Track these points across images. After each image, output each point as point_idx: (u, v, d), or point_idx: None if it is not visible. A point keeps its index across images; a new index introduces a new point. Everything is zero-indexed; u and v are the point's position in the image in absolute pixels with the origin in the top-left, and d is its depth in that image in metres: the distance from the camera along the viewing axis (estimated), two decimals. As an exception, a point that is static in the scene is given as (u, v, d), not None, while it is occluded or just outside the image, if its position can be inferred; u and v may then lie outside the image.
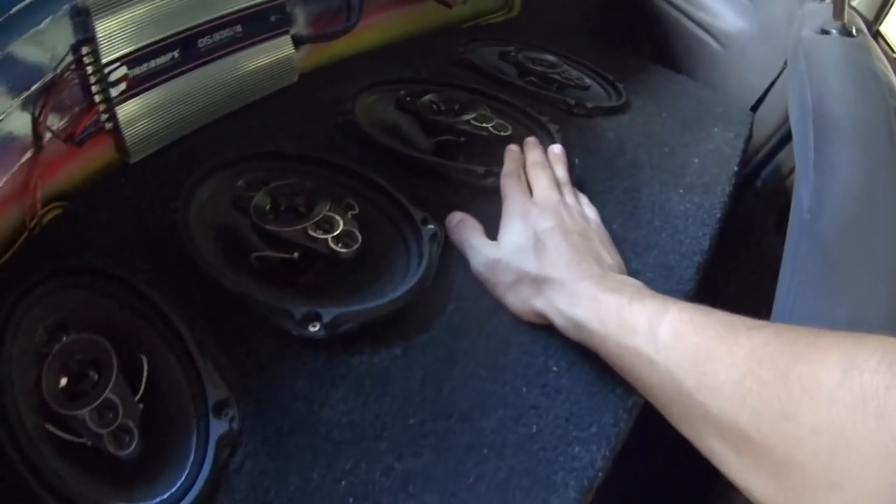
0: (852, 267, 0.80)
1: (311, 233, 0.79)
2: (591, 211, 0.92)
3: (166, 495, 0.60)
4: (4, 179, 0.80)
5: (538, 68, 1.26)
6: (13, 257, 0.79)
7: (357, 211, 0.84)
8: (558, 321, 0.75)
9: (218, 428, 0.64)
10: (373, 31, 1.26)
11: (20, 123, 0.80)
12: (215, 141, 0.96)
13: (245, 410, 0.66)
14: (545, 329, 0.78)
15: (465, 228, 0.86)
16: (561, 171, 0.97)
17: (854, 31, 1.16)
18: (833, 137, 0.93)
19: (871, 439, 0.46)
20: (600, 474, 0.67)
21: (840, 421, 0.48)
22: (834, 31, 1.15)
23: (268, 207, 0.82)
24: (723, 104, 1.31)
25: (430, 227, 0.85)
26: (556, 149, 1.00)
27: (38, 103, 0.81)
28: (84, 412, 0.62)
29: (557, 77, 1.25)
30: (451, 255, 0.85)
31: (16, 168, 0.81)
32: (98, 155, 0.91)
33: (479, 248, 0.83)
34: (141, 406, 0.64)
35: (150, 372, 0.67)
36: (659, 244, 0.92)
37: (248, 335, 0.73)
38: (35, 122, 0.82)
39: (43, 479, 0.58)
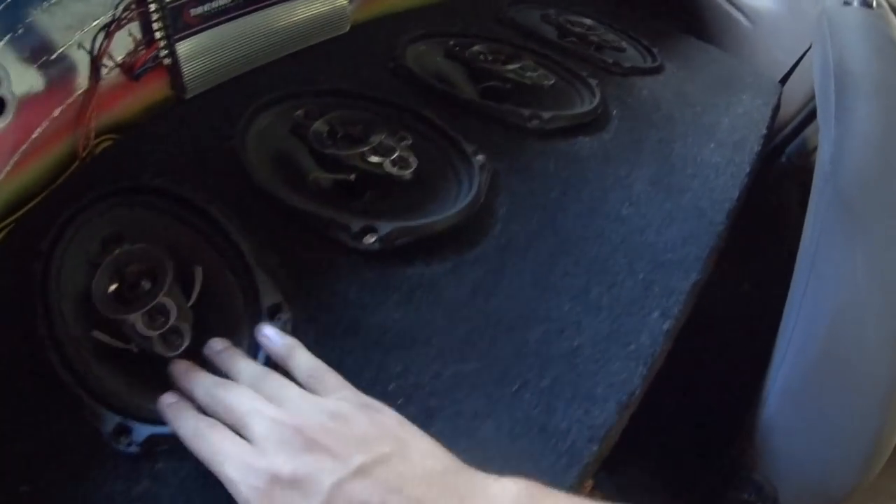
0: (871, 213, 0.82)
1: (369, 157, 0.81)
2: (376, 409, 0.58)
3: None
4: (61, 108, 0.82)
5: (577, 30, 1.29)
6: (65, 183, 0.82)
7: (411, 141, 0.86)
8: None
9: (271, 330, 0.66)
10: None
11: (80, 56, 0.82)
12: (268, 81, 0.98)
13: (298, 315, 0.68)
14: (588, 250, 0.81)
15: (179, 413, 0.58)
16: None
17: (874, 3, 1.18)
18: (852, 92, 0.95)
19: None
20: (638, 391, 0.69)
21: None
22: (855, 3, 1.17)
23: (326, 134, 0.85)
24: (752, 75, 1.33)
25: (480, 157, 0.87)
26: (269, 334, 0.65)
27: (99, 37, 0.83)
28: (134, 316, 0.63)
29: (595, 39, 1.28)
30: (497, 185, 0.88)
31: (72, 99, 0.83)
32: (151, 92, 0.93)
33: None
34: (193, 312, 0.65)
35: (205, 282, 0.68)
36: (692, 188, 0.95)
37: (303, 247, 0.75)
38: (94, 56, 0.84)
39: (85, 382, 0.60)
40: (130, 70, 0.88)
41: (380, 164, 0.81)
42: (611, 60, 1.23)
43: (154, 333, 0.63)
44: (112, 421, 0.58)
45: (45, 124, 0.81)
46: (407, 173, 0.81)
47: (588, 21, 1.34)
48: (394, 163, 0.81)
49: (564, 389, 0.67)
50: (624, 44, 1.33)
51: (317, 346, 0.65)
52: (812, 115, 1.32)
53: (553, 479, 0.60)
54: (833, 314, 0.80)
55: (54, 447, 0.58)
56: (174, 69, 0.92)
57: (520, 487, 0.51)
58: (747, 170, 1.03)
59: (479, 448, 0.60)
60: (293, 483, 0.50)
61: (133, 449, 0.58)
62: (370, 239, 0.75)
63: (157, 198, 0.76)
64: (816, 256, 0.83)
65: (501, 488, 0.51)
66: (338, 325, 0.69)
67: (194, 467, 0.57)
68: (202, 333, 0.64)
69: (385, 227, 0.75)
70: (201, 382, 0.59)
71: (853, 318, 0.78)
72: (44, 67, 0.79)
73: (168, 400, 0.59)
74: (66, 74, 0.81)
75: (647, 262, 0.82)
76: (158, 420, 0.59)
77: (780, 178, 1.34)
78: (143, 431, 0.58)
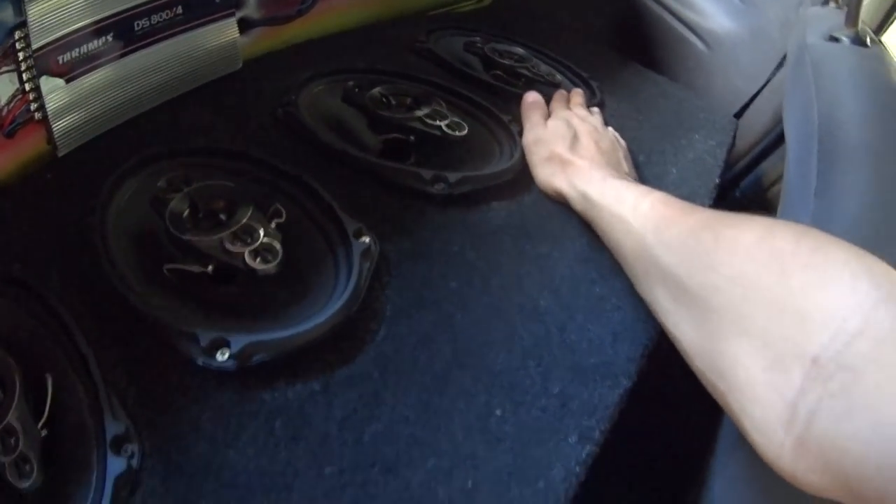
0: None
1: (228, 245, 0.72)
2: (621, 140, 1.05)
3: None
4: None
5: (505, 62, 1.20)
6: None
7: (283, 219, 0.76)
8: (571, 194, 0.90)
9: (116, 466, 0.58)
10: (330, 14, 1.20)
11: None
12: (148, 132, 0.91)
13: (147, 446, 0.60)
14: (492, 360, 0.71)
15: (532, 107, 1.05)
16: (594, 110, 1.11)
17: (868, 40, 1.08)
18: (841, 162, 0.86)
19: (773, 292, 0.57)
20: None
21: (751, 274, 0.60)
22: (845, 39, 1.08)
23: (185, 213, 0.76)
24: (705, 109, 1.25)
25: (364, 239, 0.77)
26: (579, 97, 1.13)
27: None
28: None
29: (526, 72, 1.19)
30: (385, 272, 0.78)
31: None
32: (27, 148, 0.86)
33: (532, 126, 1.02)
34: (44, 433, 0.59)
35: (56, 394, 0.61)
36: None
37: (154, 360, 0.66)
38: None
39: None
40: (0, 127, 0.82)
41: (240, 255, 0.71)
42: (542, 99, 1.12)
43: (6, 459, 0.56)
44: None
45: None
46: (271, 266, 0.71)
47: (519, 50, 1.24)
48: (255, 253, 0.71)
49: (451, 546, 0.58)
50: (558, 77, 1.24)
51: (165, 486, 0.59)
52: (770, 149, 1.30)
53: None
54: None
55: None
56: (46, 124, 0.85)
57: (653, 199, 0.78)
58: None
59: None
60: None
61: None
62: (222, 355, 0.64)
63: (13, 287, 0.69)
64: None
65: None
66: (189, 460, 0.60)
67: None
68: (50, 463, 0.58)
69: (239, 342, 0.64)
70: None
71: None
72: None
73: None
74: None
75: (566, 370, 0.71)
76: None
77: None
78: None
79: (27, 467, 0.57)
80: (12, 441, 0.57)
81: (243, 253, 0.71)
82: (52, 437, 0.59)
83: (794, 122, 1.00)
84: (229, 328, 0.66)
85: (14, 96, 0.82)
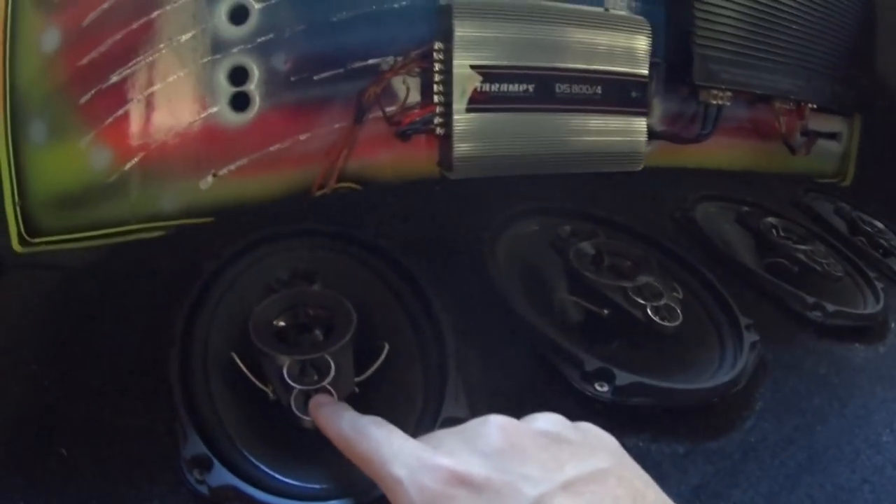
0: None
1: (632, 294, 0.72)
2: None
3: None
4: (309, 135, 0.82)
5: (867, 229, 1.21)
6: (284, 209, 0.81)
7: (680, 296, 0.76)
8: None
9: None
10: (719, 151, 1.23)
11: (347, 89, 0.83)
12: (540, 194, 0.91)
13: None
14: (837, 474, 0.68)
15: None
16: None
17: None
18: None
19: None
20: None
21: None
22: None
23: (590, 257, 0.78)
24: None
25: (754, 336, 0.76)
26: None
27: (372, 79, 0.84)
28: (286, 359, 0.56)
29: (884, 243, 1.20)
30: (763, 371, 0.77)
31: (325, 130, 0.83)
32: (411, 157, 0.90)
33: None
34: (356, 390, 0.58)
35: (387, 362, 0.61)
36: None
37: (519, 368, 0.67)
38: (361, 95, 0.83)
39: (191, 396, 0.56)
40: (398, 125, 0.86)
41: (643, 307, 0.71)
42: (896, 269, 1.10)
43: (297, 387, 0.55)
44: (196, 447, 0.52)
45: (286, 143, 0.81)
46: (670, 326, 0.71)
47: (878, 224, 1.26)
48: (657, 310, 0.71)
49: None
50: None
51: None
52: None
53: None
54: None
55: (120, 438, 0.55)
56: (445, 142, 0.87)
57: None
58: None
59: None
60: (484, 489, 0.41)
61: (203, 489, 0.51)
62: (602, 386, 0.65)
63: (377, 258, 0.72)
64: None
65: None
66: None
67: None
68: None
69: (623, 378, 0.65)
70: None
71: None
72: (303, 86, 0.81)
73: (322, 399, 0.54)
74: (326, 106, 0.83)
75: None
76: (252, 480, 0.52)
77: None
78: (222, 476, 0.51)
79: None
80: (315, 375, 0.56)
81: (646, 306, 0.71)
82: (369, 399, 0.58)
83: None
84: (613, 364, 0.66)
85: (414, 102, 0.86)
